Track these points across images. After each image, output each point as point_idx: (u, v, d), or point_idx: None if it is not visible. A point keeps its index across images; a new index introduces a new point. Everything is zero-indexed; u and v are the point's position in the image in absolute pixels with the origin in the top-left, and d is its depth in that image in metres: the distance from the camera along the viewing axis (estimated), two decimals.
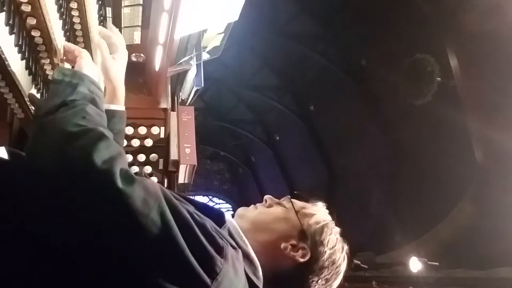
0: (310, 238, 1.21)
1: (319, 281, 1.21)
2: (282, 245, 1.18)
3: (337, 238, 1.25)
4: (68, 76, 1.19)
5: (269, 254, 1.17)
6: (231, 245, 1.01)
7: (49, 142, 0.98)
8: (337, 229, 1.28)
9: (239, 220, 1.22)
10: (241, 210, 1.30)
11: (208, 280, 0.90)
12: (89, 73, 1.25)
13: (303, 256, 1.18)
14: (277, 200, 1.32)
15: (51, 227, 0.94)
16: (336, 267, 1.23)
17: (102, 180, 0.89)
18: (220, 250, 0.95)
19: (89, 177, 0.89)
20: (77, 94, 1.13)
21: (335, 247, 1.23)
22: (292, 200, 1.30)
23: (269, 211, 1.27)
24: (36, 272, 0.94)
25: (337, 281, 1.26)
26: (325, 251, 1.20)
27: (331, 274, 1.22)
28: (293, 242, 1.19)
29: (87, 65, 1.29)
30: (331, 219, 1.30)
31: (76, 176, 0.90)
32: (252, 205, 1.31)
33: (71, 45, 1.42)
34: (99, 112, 1.14)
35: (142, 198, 0.89)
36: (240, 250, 1.05)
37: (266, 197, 1.33)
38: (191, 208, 0.99)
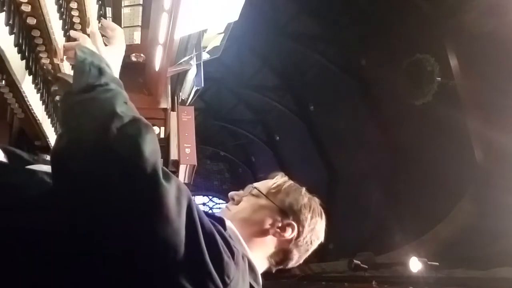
0: (290, 212, 1.23)
1: (312, 236, 1.25)
2: (271, 232, 1.20)
3: (307, 198, 1.27)
4: (88, 54, 1.14)
5: (265, 247, 1.20)
6: (242, 253, 1.04)
7: (93, 118, 0.93)
8: (298, 187, 1.30)
9: None
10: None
11: (221, 285, 0.91)
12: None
13: (292, 232, 1.21)
14: (242, 192, 1.30)
15: (82, 216, 0.89)
16: (318, 215, 1.27)
17: (147, 171, 0.86)
18: (233, 256, 0.96)
19: (134, 163, 0.86)
20: (106, 77, 1.07)
21: (311, 205, 1.26)
22: (255, 185, 1.29)
23: (242, 206, 1.25)
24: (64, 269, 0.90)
25: (323, 217, 1.30)
26: (307, 216, 1.24)
27: (317, 222, 1.26)
28: (278, 224, 1.21)
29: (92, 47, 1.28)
30: (288, 178, 1.32)
31: (120, 158, 0.86)
32: (224, 208, 1.30)
33: (71, 43, 1.40)
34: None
35: (176, 196, 0.89)
36: (246, 258, 1.07)
37: (231, 194, 1.31)
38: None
